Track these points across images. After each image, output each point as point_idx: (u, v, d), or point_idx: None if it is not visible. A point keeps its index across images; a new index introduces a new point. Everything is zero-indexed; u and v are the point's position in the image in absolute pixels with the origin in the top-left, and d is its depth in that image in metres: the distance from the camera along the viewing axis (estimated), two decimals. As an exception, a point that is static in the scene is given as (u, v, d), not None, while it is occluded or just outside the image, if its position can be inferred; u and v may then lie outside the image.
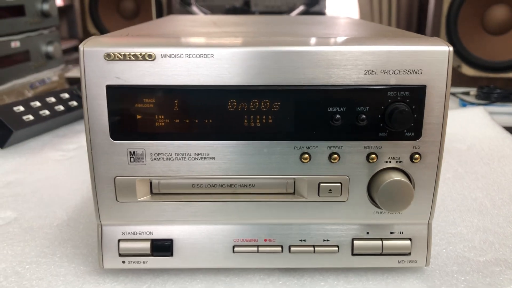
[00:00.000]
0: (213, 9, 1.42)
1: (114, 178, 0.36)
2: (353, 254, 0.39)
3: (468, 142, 0.71)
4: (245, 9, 1.44)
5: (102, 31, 1.39)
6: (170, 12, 1.49)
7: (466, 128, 0.76)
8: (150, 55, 0.34)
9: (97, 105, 0.35)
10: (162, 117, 0.35)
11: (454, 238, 0.45)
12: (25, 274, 0.40)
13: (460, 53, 1.22)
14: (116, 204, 0.37)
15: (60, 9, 1.33)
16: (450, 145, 0.70)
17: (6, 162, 0.64)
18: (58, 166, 0.63)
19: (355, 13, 1.89)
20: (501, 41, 1.22)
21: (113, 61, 0.34)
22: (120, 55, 0.34)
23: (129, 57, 0.34)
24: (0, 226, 0.48)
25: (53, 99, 0.77)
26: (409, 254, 0.39)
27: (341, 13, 1.89)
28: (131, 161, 0.36)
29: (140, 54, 0.34)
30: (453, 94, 1.09)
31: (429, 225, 0.39)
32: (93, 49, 0.34)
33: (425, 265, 0.39)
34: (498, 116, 0.92)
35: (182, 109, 0.35)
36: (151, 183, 0.37)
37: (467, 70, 1.22)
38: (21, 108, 0.70)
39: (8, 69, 1.04)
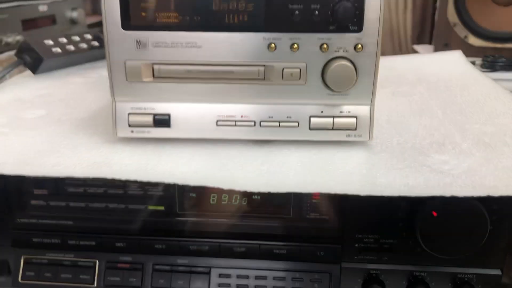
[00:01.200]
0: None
1: (125, 62, 0.47)
2: (310, 129, 0.49)
3: (440, 77, 0.80)
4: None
5: None
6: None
7: (442, 66, 0.85)
8: (151, -38, 0.44)
9: (113, 2, 0.45)
10: (161, 13, 0.46)
11: (402, 130, 0.55)
12: (59, 143, 0.51)
13: (468, 24, 1.25)
14: (126, 83, 0.48)
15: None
16: (423, 77, 0.79)
17: (38, 82, 0.76)
18: (82, 86, 0.75)
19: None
20: (509, 12, 1.27)
21: (125, -32, 0.45)
22: (129, -39, 0.44)
23: (136, -35, 0.44)
24: (33, 118, 0.59)
25: (77, 38, 0.88)
26: (355, 129, 0.49)
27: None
28: (137, 48, 0.47)
29: (144, -39, 0.44)
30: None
31: (371, 105, 0.48)
32: (108, -44, 0.44)
33: (368, 139, 0.49)
34: (502, 82, 0.97)
35: (176, 7, 0.45)
36: (153, 68, 0.48)
37: (474, 41, 1.25)
38: (51, 42, 0.81)
39: (36, 31, 1.16)
